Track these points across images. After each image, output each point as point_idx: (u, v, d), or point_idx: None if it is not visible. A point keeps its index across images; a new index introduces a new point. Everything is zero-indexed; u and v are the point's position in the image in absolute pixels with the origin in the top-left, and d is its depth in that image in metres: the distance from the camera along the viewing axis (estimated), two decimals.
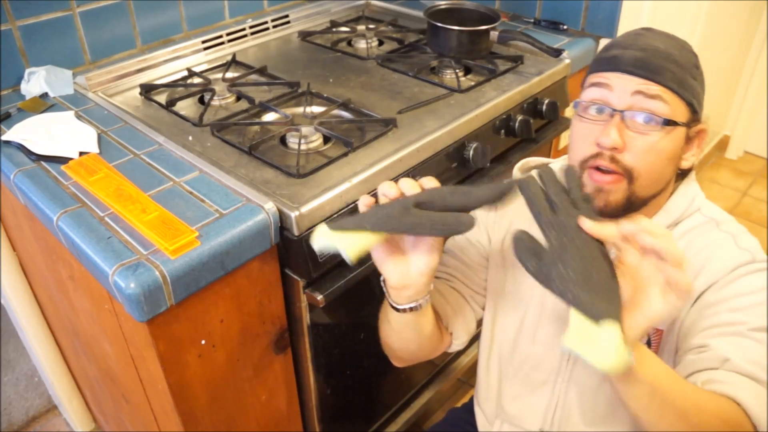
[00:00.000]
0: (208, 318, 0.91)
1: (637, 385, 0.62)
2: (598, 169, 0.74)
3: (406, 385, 1.49)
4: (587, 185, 0.75)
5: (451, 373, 1.60)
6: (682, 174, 0.82)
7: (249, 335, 0.99)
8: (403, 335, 0.81)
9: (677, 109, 0.73)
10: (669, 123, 0.72)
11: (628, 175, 0.73)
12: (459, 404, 1.19)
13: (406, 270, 0.71)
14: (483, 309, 0.95)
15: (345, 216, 0.67)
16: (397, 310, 0.76)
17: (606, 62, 0.75)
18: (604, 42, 1.51)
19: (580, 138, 0.77)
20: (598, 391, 0.84)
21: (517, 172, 0.93)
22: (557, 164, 0.90)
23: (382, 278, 0.74)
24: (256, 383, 1.05)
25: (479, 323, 0.96)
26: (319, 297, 0.96)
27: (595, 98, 0.75)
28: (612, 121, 0.73)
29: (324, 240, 0.67)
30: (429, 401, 1.53)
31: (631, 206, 0.75)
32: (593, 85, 0.76)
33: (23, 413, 1.62)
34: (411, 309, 0.75)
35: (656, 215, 0.80)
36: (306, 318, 1.03)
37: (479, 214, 0.91)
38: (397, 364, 0.93)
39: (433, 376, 1.57)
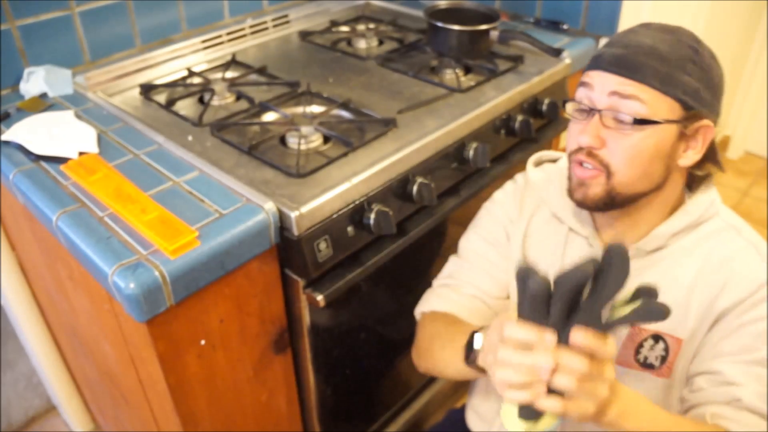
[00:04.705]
0: (207, 318, 0.90)
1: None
2: (581, 164, 0.76)
3: (406, 385, 1.49)
4: (572, 178, 0.79)
5: None
6: (699, 176, 0.82)
7: (249, 335, 0.99)
8: (449, 372, 0.83)
9: (659, 107, 0.72)
10: (640, 122, 0.71)
11: (606, 170, 0.74)
12: (458, 405, 1.19)
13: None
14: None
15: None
16: (473, 365, 0.75)
17: (592, 60, 0.77)
18: (603, 41, 1.51)
19: (569, 134, 0.80)
20: None
21: (530, 165, 0.95)
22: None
23: (474, 343, 0.74)
24: (255, 383, 1.05)
25: None
26: (319, 297, 0.96)
27: (579, 98, 0.77)
28: (591, 120, 0.74)
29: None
30: (429, 401, 1.53)
31: (612, 201, 0.76)
32: (580, 84, 0.78)
33: (22, 413, 1.62)
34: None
35: (676, 215, 0.79)
36: (306, 318, 1.03)
37: (498, 213, 0.94)
38: (421, 370, 0.95)
39: (433, 377, 1.56)
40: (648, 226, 0.81)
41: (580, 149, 0.76)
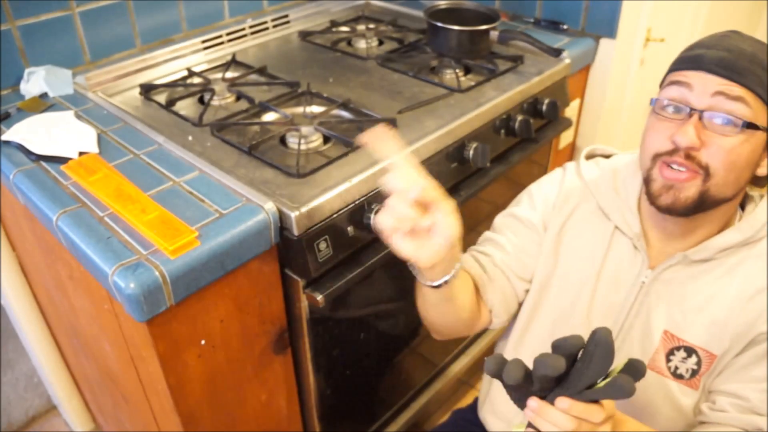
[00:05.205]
0: (208, 318, 0.90)
1: None
2: (670, 166, 0.73)
3: (406, 385, 1.49)
4: (657, 180, 0.75)
5: (451, 373, 1.60)
6: (748, 195, 0.82)
7: (249, 335, 0.99)
8: (440, 309, 0.83)
9: (759, 114, 0.71)
10: (750, 126, 0.70)
11: (705, 171, 0.72)
12: (459, 404, 1.19)
13: (431, 249, 0.68)
14: (524, 294, 0.94)
15: None
16: (432, 287, 0.76)
17: (688, 61, 0.74)
18: (604, 42, 1.51)
19: (655, 133, 0.75)
20: (634, 399, 0.84)
21: (582, 157, 0.94)
22: (626, 157, 0.90)
23: (410, 264, 0.74)
24: (256, 383, 1.05)
25: (520, 305, 0.96)
26: (319, 297, 0.96)
27: (673, 97, 0.74)
28: (690, 120, 0.71)
29: None
30: (429, 401, 1.53)
31: (702, 204, 0.74)
32: (673, 83, 0.74)
33: (23, 413, 1.62)
34: (446, 282, 0.75)
35: (729, 231, 0.79)
36: (306, 318, 1.03)
37: (539, 199, 0.94)
38: (436, 337, 0.95)
39: (433, 376, 1.56)
40: (699, 237, 0.80)
41: (674, 150, 0.73)
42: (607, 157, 0.95)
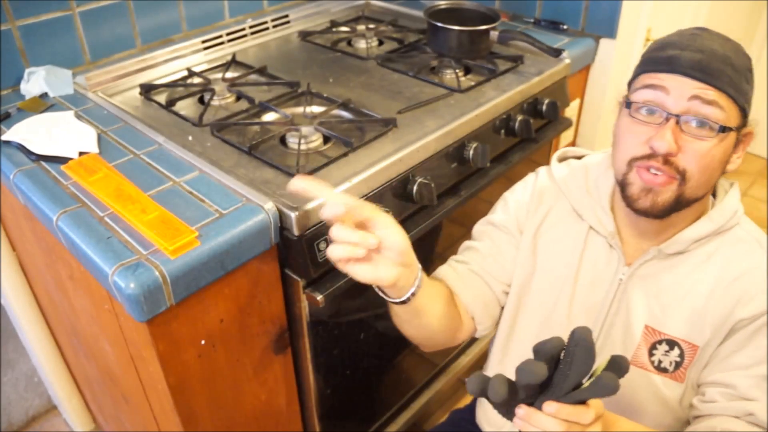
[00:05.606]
0: (207, 318, 0.90)
1: None
2: (647, 169, 0.73)
3: (406, 385, 1.49)
4: (634, 183, 0.75)
5: (451, 373, 1.60)
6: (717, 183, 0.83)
7: (249, 335, 0.99)
8: (415, 323, 0.84)
9: (731, 114, 0.72)
10: (725, 130, 0.71)
11: (681, 176, 0.72)
12: (459, 404, 1.19)
13: (387, 265, 0.70)
14: (505, 297, 0.95)
15: None
16: (400, 302, 0.77)
17: (662, 62, 0.73)
18: (604, 42, 1.51)
19: (631, 136, 0.75)
20: (620, 397, 0.84)
21: (554, 160, 0.94)
22: (597, 157, 0.91)
23: (374, 287, 0.76)
24: (255, 383, 1.05)
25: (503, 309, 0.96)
26: (319, 297, 0.96)
27: (649, 100, 0.74)
28: (667, 125, 0.71)
29: None
30: (429, 401, 1.53)
31: (678, 206, 0.75)
32: (648, 86, 0.74)
33: (23, 413, 1.62)
34: (412, 295, 0.76)
35: (700, 221, 0.79)
36: (306, 318, 1.03)
37: (513, 204, 0.94)
38: (424, 350, 0.95)
39: (433, 376, 1.57)
40: (673, 230, 0.80)
41: (651, 155, 0.73)
42: (579, 158, 0.95)
